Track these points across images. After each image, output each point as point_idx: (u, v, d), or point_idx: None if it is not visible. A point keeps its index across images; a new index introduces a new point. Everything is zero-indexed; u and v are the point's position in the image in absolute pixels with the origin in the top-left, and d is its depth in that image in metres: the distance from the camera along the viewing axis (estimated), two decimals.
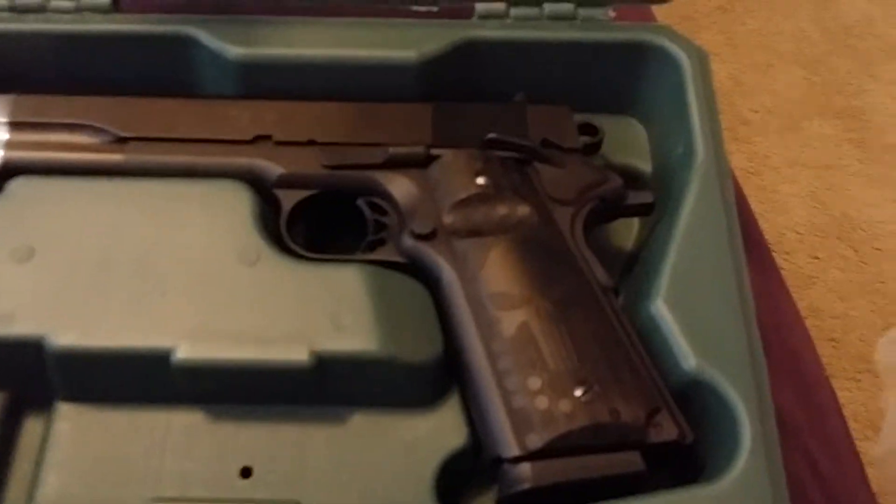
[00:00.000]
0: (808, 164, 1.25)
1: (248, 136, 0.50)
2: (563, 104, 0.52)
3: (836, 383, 0.67)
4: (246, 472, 0.43)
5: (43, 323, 0.44)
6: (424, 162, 0.49)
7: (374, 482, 0.43)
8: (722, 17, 1.40)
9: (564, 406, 0.41)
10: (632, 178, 0.52)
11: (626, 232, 0.53)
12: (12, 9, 0.53)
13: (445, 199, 0.48)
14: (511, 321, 0.44)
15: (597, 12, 0.54)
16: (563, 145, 0.50)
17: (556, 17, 0.54)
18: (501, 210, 0.47)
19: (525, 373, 0.42)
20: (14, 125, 0.50)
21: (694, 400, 0.43)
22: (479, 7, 0.54)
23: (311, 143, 0.50)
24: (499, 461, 0.42)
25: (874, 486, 0.61)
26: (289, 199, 0.49)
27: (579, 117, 0.52)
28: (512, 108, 0.52)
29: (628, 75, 0.55)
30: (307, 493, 0.42)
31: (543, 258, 0.46)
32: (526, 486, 0.40)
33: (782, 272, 0.67)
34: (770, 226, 1.16)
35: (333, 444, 0.44)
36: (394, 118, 0.51)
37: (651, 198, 0.50)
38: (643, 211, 0.51)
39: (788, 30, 1.39)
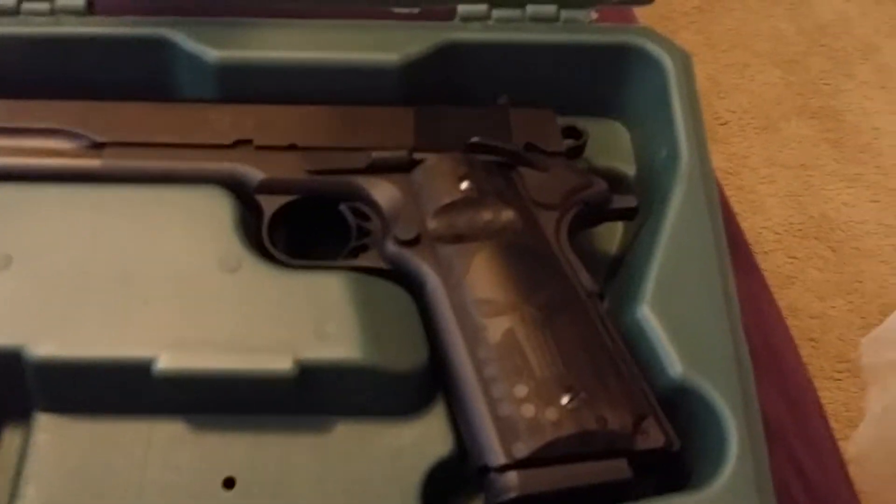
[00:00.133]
0: (786, 164, 1.26)
1: (229, 141, 0.49)
2: (547, 107, 0.52)
3: (815, 383, 0.67)
4: (229, 483, 0.42)
5: (21, 333, 0.43)
6: (407, 166, 0.49)
7: (360, 491, 0.42)
8: (700, 16, 1.40)
9: (551, 414, 0.41)
10: (616, 182, 0.52)
11: (610, 235, 0.53)
12: None
13: (429, 204, 0.47)
14: (496, 328, 0.43)
15: (579, 14, 0.54)
16: (547, 149, 0.50)
17: (539, 19, 0.54)
18: (486, 215, 0.47)
19: (511, 380, 0.42)
20: None
21: (680, 407, 0.43)
22: (461, 9, 0.54)
23: (293, 147, 0.49)
24: (485, 469, 0.41)
25: (855, 484, 0.61)
26: (270, 204, 0.48)
27: (563, 120, 0.52)
28: (495, 112, 0.51)
29: (611, 77, 0.54)
30: None
31: (528, 263, 0.46)
32: (513, 494, 0.40)
33: (762, 271, 0.67)
34: (748, 226, 1.17)
35: (318, 453, 0.43)
36: (376, 122, 0.50)
37: (635, 202, 0.50)
38: (627, 215, 0.50)
39: (765, 30, 1.40)
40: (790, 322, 0.87)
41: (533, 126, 0.51)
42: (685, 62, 0.52)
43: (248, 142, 0.49)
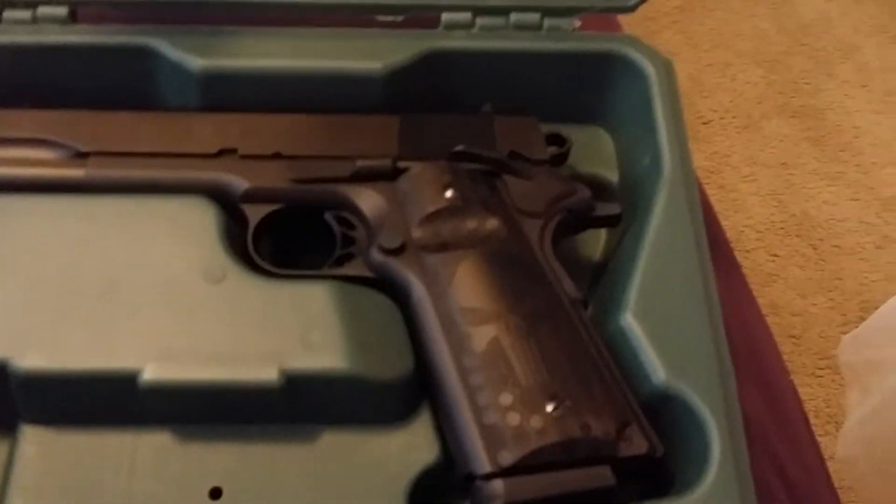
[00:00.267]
0: (768, 162, 1.27)
1: (213, 150, 0.49)
2: (530, 114, 0.52)
3: (796, 379, 0.68)
4: (216, 493, 0.42)
5: (6, 345, 0.43)
6: (392, 175, 0.49)
7: (347, 500, 0.42)
8: (682, 16, 1.41)
9: (536, 422, 0.41)
10: (599, 188, 0.52)
11: (594, 242, 0.53)
12: None
13: (414, 213, 0.48)
14: (481, 336, 0.44)
15: (563, 22, 0.54)
16: (531, 156, 0.50)
17: (522, 27, 0.54)
18: (470, 223, 0.47)
19: (496, 388, 0.42)
20: None
21: (664, 413, 0.43)
22: (445, 17, 0.54)
23: (278, 156, 0.49)
24: (471, 478, 0.42)
25: (839, 486, 0.62)
26: (255, 213, 0.48)
27: (546, 127, 0.52)
28: (479, 120, 0.52)
29: (594, 85, 0.55)
30: None
31: (513, 272, 0.46)
32: (498, 502, 0.41)
33: (742, 270, 0.68)
34: (730, 224, 1.18)
35: (304, 462, 0.43)
36: (360, 130, 0.50)
37: (619, 209, 0.50)
38: (611, 222, 0.51)
39: (747, 29, 1.40)
40: (772, 319, 0.88)
41: (517, 134, 0.51)
42: (668, 69, 0.53)
43: (232, 151, 0.49)
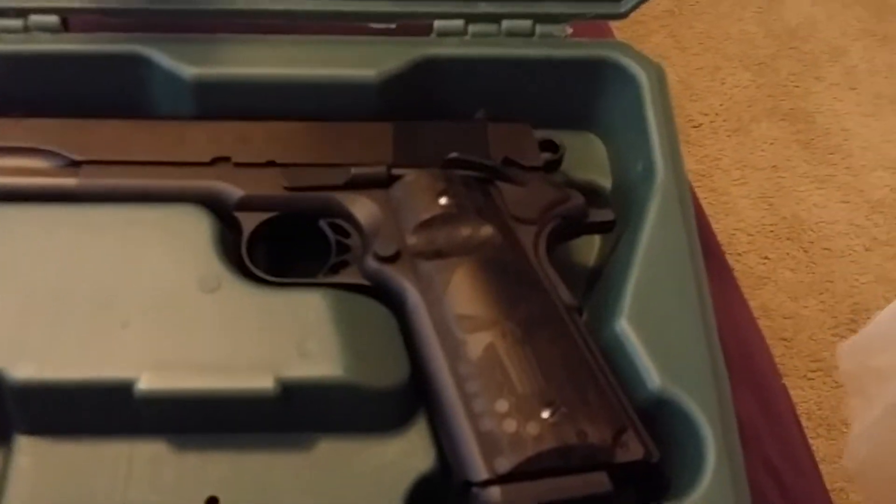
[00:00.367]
0: (758, 165, 1.28)
1: (207, 158, 0.49)
2: (524, 121, 0.52)
3: (788, 382, 0.68)
4: (212, 502, 0.42)
5: None
6: (386, 182, 0.49)
7: None
8: (671, 20, 1.41)
9: (532, 428, 0.41)
10: (592, 195, 0.53)
11: (587, 248, 0.53)
12: None
13: (408, 220, 0.48)
14: (477, 343, 0.44)
15: (554, 29, 0.55)
16: (525, 163, 0.51)
17: (514, 34, 0.55)
18: (465, 231, 0.47)
19: (492, 395, 0.42)
20: None
21: (659, 419, 0.44)
22: (438, 24, 0.54)
23: (271, 164, 0.49)
24: (468, 485, 0.42)
25: (831, 489, 0.62)
26: (249, 221, 0.48)
27: (540, 133, 0.52)
28: (473, 126, 0.52)
29: (587, 91, 0.55)
30: None
31: (508, 279, 0.46)
32: None
33: (734, 274, 0.68)
34: (721, 228, 1.18)
35: (300, 471, 0.43)
36: (354, 138, 0.51)
37: (612, 215, 0.50)
38: (605, 228, 0.51)
39: (735, 33, 1.41)
40: (763, 322, 0.88)
41: (510, 140, 0.51)
42: (659, 75, 0.53)
43: (226, 159, 0.49)
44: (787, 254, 1.20)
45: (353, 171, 0.49)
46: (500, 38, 0.54)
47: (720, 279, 0.62)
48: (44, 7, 0.52)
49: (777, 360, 0.67)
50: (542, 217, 0.49)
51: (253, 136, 0.50)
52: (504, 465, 0.41)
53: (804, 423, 0.65)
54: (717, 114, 1.32)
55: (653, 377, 0.43)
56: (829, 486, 0.61)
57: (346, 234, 0.49)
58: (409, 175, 0.49)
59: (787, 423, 0.62)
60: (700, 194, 0.80)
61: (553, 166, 0.52)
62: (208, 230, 0.47)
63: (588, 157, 0.55)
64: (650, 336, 0.44)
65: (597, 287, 0.51)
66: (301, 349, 0.44)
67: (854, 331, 1.09)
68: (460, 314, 0.44)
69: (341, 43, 0.53)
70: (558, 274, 0.47)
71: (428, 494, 0.44)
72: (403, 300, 0.46)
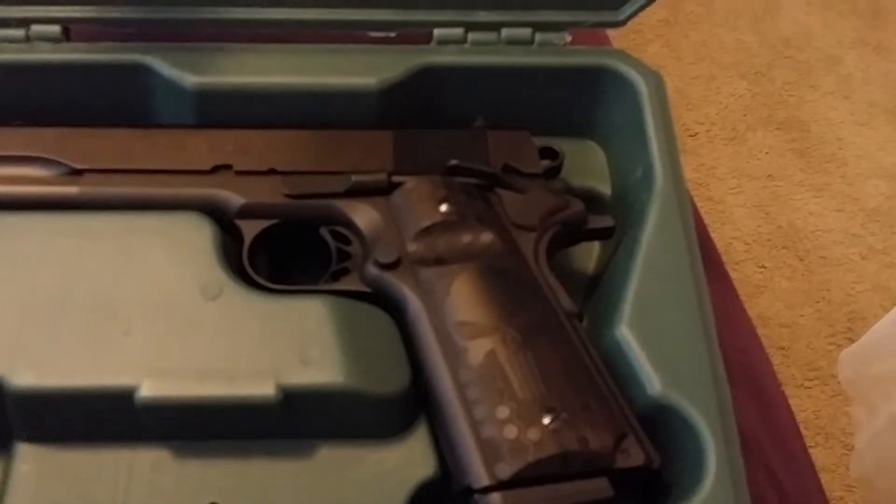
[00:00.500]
0: (754, 174, 1.28)
1: (208, 166, 0.49)
2: (523, 128, 0.52)
3: (786, 391, 0.69)
4: None
5: (0, 363, 0.43)
6: (387, 190, 0.49)
7: None
8: (667, 29, 1.42)
9: (533, 435, 0.42)
10: (592, 201, 0.53)
11: (587, 255, 0.54)
12: None
13: (409, 228, 0.48)
14: (478, 350, 0.44)
15: (554, 37, 0.55)
16: (525, 170, 0.51)
17: (514, 42, 0.55)
18: (465, 238, 0.47)
19: (493, 402, 0.42)
20: None
21: (660, 424, 0.44)
22: (437, 32, 0.54)
23: (272, 171, 0.50)
24: (469, 491, 0.42)
25: (830, 497, 0.62)
26: (251, 229, 0.49)
27: (539, 141, 0.52)
28: (473, 134, 0.52)
29: (586, 99, 0.55)
30: None
31: (508, 285, 0.46)
32: None
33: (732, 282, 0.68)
34: (718, 236, 1.19)
35: (302, 478, 0.43)
36: (355, 146, 0.51)
37: (612, 222, 0.51)
38: (604, 235, 0.51)
39: (730, 42, 1.42)
40: (761, 331, 0.88)
41: (510, 148, 0.51)
42: (657, 83, 0.53)
43: (227, 167, 0.49)
44: (784, 263, 1.20)
45: (354, 178, 0.49)
46: (499, 47, 0.55)
47: (719, 287, 0.62)
48: (45, 17, 0.53)
49: (775, 368, 0.67)
50: (542, 224, 0.49)
51: (254, 145, 0.50)
52: (505, 471, 0.41)
53: (802, 431, 0.65)
54: (713, 123, 1.33)
55: (653, 383, 0.44)
56: (828, 496, 0.61)
57: (347, 242, 0.49)
58: (410, 182, 0.49)
59: (787, 429, 0.62)
60: (697, 203, 0.80)
61: (553, 173, 0.52)
62: (210, 237, 0.47)
63: (587, 164, 0.55)
64: (650, 342, 0.45)
65: (597, 293, 0.51)
66: (302, 356, 0.44)
67: (851, 339, 1.10)
68: (461, 321, 0.45)
69: (342, 51, 0.54)
70: (558, 280, 0.47)
71: (429, 501, 0.44)
72: (404, 307, 0.46)
